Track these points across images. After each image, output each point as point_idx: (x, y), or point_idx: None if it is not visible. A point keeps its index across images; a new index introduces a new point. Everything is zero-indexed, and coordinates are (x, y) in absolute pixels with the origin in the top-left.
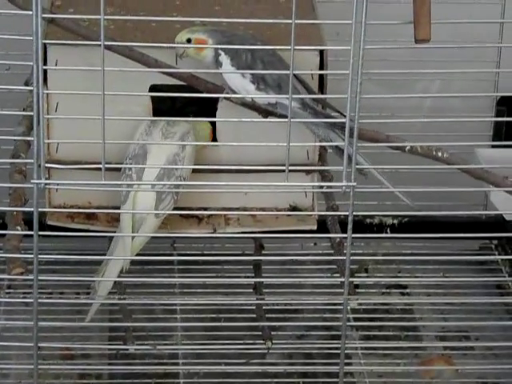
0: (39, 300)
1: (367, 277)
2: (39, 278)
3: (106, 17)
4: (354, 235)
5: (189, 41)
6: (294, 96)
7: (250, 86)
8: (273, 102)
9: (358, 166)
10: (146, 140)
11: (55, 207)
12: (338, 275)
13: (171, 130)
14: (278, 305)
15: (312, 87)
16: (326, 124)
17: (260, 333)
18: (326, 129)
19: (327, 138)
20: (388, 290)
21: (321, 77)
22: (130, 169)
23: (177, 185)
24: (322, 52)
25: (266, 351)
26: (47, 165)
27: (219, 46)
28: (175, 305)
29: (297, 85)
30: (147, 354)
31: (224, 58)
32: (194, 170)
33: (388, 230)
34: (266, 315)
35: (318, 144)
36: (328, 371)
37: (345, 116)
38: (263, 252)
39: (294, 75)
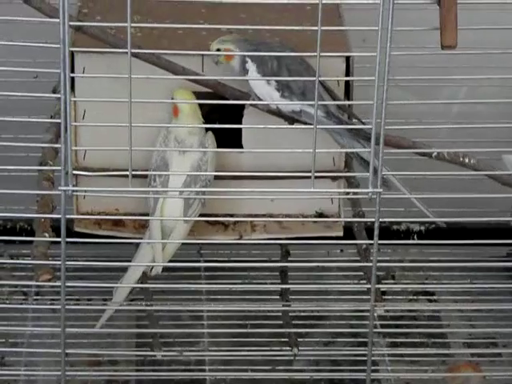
0: (67, 306)
1: (394, 283)
2: (67, 284)
3: (132, 24)
4: (380, 242)
5: (218, 50)
6: (320, 102)
7: (275, 93)
8: (297, 109)
9: (384, 173)
10: (165, 151)
11: (83, 214)
12: (364, 282)
13: (186, 141)
14: (304, 311)
15: (339, 97)
16: (351, 134)
17: (286, 339)
18: (350, 139)
19: (351, 149)
20: (415, 297)
21: (347, 83)
22: (155, 180)
23: (204, 190)
24: (348, 58)
25: (292, 358)
26: (75, 172)
27: (245, 53)
28: (202, 311)
29: (323, 94)
30: (174, 360)
31: (250, 65)
32: (220, 177)
33: (415, 237)
34: (293, 322)
35: (343, 150)
36: (355, 378)
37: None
38: (289, 258)
39: (321, 83)
